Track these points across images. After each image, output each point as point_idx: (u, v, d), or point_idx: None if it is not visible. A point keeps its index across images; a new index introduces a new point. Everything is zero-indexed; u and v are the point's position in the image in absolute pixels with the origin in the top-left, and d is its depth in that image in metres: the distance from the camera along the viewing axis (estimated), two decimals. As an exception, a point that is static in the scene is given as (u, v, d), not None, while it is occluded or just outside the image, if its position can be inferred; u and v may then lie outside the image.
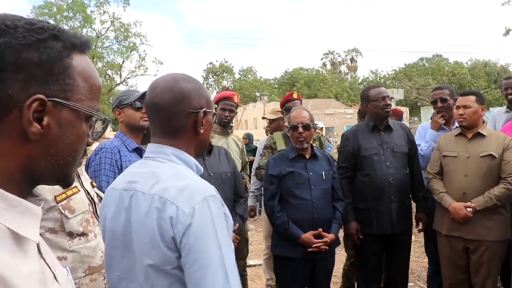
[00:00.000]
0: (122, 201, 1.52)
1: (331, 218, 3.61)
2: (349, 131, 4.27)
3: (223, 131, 4.46)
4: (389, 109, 3.95)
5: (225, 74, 68.91)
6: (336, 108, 39.07)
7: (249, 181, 5.23)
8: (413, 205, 4.20)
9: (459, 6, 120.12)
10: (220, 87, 66.85)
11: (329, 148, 4.72)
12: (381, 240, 3.93)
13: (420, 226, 4.19)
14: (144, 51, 46.53)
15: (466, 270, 3.68)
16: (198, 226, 1.36)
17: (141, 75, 38.70)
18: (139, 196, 1.47)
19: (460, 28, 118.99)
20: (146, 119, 2.97)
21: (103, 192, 2.46)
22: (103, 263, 2.13)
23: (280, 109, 5.60)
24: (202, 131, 1.56)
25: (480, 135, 3.68)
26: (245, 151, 4.91)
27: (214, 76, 68.88)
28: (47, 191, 1.99)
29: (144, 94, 2.92)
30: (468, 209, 3.52)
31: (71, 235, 2.04)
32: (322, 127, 12.31)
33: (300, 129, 3.53)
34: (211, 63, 69.37)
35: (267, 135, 5.54)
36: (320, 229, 3.49)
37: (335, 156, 4.73)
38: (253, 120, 37.36)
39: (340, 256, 5.01)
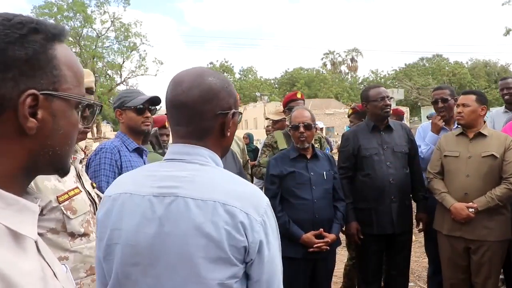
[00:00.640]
0: (152, 209, 1.32)
1: (332, 218, 3.60)
2: (350, 131, 4.27)
3: None
4: (388, 109, 3.95)
5: (225, 74, 68.90)
6: (336, 108, 39.12)
7: (251, 180, 5.22)
8: (414, 205, 4.20)
9: (459, 6, 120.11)
10: (220, 87, 66.72)
11: (327, 150, 4.71)
12: (381, 240, 3.93)
13: (421, 226, 4.19)
14: (145, 51, 46.73)
15: (467, 270, 3.68)
16: (272, 236, 1.35)
17: (142, 75, 38.74)
18: (189, 203, 1.29)
19: (460, 28, 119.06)
20: (148, 123, 2.97)
21: (103, 193, 2.47)
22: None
23: (283, 110, 5.60)
24: (229, 133, 1.44)
25: (481, 135, 3.67)
26: (246, 151, 4.89)
27: (215, 76, 68.79)
28: (50, 191, 1.98)
29: (149, 100, 2.92)
30: (470, 210, 3.51)
31: (72, 235, 2.04)
32: (322, 127, 12.30)
33: (302, 129, 3.53)
34: (211, 63, 69.42)
35: (267, 135, 5.52)
36: (321, 229, 3.48)
37: (335, 157, 4.72)
38: (253, 120, 37.39)
39: (341, 256, 5.01)
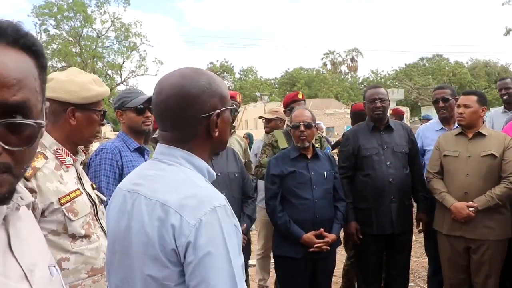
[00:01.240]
0: (125, 203, 1.41)
1: (332, 218, 3.61)
2: (350, 131, 4.28)
3: None
4: (379, 112, 3.94)
5: (225, 74, 68.82)
6: (336, 108, 39.11)
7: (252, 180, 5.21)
8: (414, 205, 4.21)
9: (460, 6, 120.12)
10: (221, 87, 66.69)
11: (328, 150, 4.72)
12: (381, 240, 3.93)
13: (421, 227, 4.19)
14: (145, 51, 46.66)
15: (467, 270, 3.69)
16: (206, 240, 1.24)
17: (142, 75, 38.73)
18: (142, 201, 1.35)
19: (460, 28, 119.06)
20: (148, 123, 2.98)
21: (103, 193, 2.49)
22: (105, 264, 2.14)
23: (277, 109, 5.60)
24: (217, 133, 1.41)
25: (480, 134, 3.68)
26: (248, 151, 4.89)
27: (215, 76, 68.75)
28: (51, 193, 1.98)
29: (149, 99, 2.93)
30: (470, 209, 3.52)
31: (73, 237, 2.04)
32: (323, 128, 12.29)
33: (302, 128, 3.54)
34: (211, 63, 69.36)
35: (267, 134, 5.51)
36: (322, 229, 3.50)
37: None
38: (253, 120, 37.37)
39: (341, 256, 5.01)
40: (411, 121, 33.83)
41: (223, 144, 1.52)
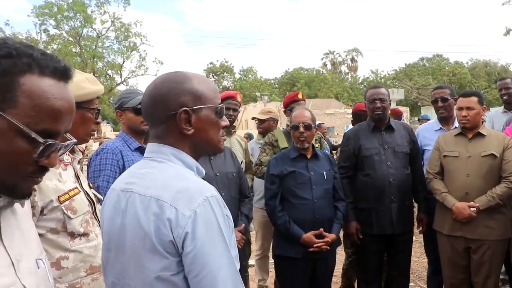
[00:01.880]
0: (119, 202, 1.47)
1: (332, 218, 3.61)
2: (351, 130, 4.28)
3: (226, 131, 4.43)
4: (379, 112, 3.93)
5: (225, 74, 68.91)
6: (336, 108, 39.09)
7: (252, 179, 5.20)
8: (415, 205, 4.20)
9: (460, 6, 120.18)
10: (221, 87, 66.83)
11: (327, 150, 4.72)
12: (381, 240, 3.93)
13: (422, 227, 4.17)
14: (145, 51, 46.75)
15: (467, 270, 3.69)
16: (203, 230, 1.30)
17: (142, 75, 38.72)
18: (136, 198, 1.40)
19: (460, 28, 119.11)
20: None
21: (103, 193, 2.49)
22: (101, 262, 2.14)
23: (270, 109, 5.59)
24: (191, 130, 1.46)
25: (480, 135, 3.69)
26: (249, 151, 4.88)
27: (215, 76, 68.80)
28: (51, 191, 1.99)
29: None
30: (472, 209, 3.52)
31: (72, 235, 2.04)
32: (325, 129, 12.29)
33: (302, 129, 3.54)
34: (211, 63, 69.42)
35: (260, 134, 5.50)
36: (321, 229, 3.49)
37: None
38: (253, 120, 37.34)
39: (341, 256, 5.01)
40: (411, 121, 33.85)
41: (209, 144, 1.53)
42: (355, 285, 4.74)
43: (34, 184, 1.07)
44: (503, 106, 5.31)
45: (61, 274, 2.00)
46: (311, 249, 3.45)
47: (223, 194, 3.32)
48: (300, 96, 4.90)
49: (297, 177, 3.54)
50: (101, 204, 2.32)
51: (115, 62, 37.72)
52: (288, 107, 4.82)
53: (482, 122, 3.81)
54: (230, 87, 66.83)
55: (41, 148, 1.00)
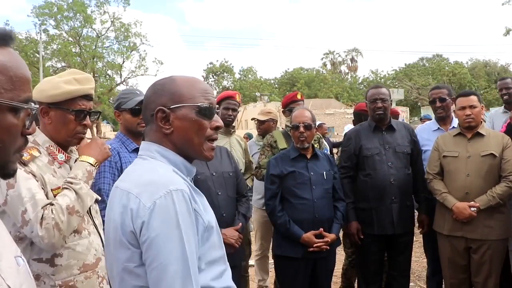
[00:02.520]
0: (111, 198, 1.52)
1: (332, 218, 3.61)
2: (352, 130, 4.26)
3: (225, 131, 4.42)
4: (380, 112, 3.93)
5: (225, 74, 68.89)
6: (336, 108, 39.11)
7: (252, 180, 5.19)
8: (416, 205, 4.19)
9: (460, 6, 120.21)
10: (221, 87, 66.82)
11: (325, 151, 4.71)
12: (382, 240, 3.92)
13: (423, 228, 4.14)
14: (145, 51, 46.64)
15: (467, 269, 3.69)
16: (159, 221, 1.32)
17: (141, 75, 38.63)
18: (117, 193, 1.46)
19: (460, 28, 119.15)
20: (143, 125, 2.98)
21: (104, 195, 2.50)
22: (96, 261, 2.15)
23: (270, 110, 5.57)
24: (170, 129, 1.50)
25: (479, 134, 3.69)
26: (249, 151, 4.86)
27: (215, 76, 68.86)
28: (46, 183, 2.01)
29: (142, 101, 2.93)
30: (472, 209, 3.52)
31: None
32: (326, 129, 12.26)
33: (302, 129, 3.54)
34: (211, 63, 69.44)
35: (260, 135, 5.47)
36: (321, 229, 3.49)
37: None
38: (253, 121, 37.34)
39: (341, 256, 5.01)
40: (411, 121, 33.86)
41: (189, 144, 1.52)
42: (355, 285, 4.74)
43: (19, 159, 1.08)
44: (503, 106, 5.31)
45: (55, 271, 2.01)
46: (311, 249, 3.45)
47: (220, 193, 3.31)
48: (299, 97, 4.89)
49: (297, 177, 3.54)
50: (98, 204, 2.34)
51: (115, 62, 37.63)
52: (287, 108, 4.81)
53: (481, 122, 3.81)
54: (230, 87, 66.78)
55: (29, 118, 1.01)
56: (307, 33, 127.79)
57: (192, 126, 1.50)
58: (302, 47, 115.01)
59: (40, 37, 33.67)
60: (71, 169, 2.23)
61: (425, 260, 5.04)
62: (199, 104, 1.50)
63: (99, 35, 36.82)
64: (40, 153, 2.10)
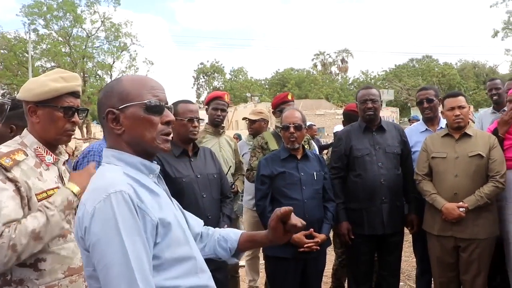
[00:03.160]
0: None
1: (322, 218, 3.62)
2: (342, 131, 4.27)
3: (215, 131, 4.41)
4: (371, 112, 3.94)
5: (216, 74, 68.83)
6: (326, 108, 39.19)
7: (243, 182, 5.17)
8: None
9: (449, 8, 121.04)
10: (211, 87, 66.76)
11: (315, 151, 4.72)
12: (372, 240, 3.94)
13: (412, 228, 4.16)
14: (135, 51, 46.46)
15: (456, 268, 3.72)
16: (99, 225, 1.35)
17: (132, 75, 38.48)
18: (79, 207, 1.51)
19: (449, 30, 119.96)
20: None
21: None
22: (83, 264, 2.13)
23: (261, 110, 5.56)
24: (122, 129, 1.52)
25: (466, 135, 3.73)
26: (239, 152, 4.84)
27: (205, 77, 68.80)
28: (28, 189, 1.99)
29: None
30: (461, 209, 3.55)
31: None
32: (316, 130, 12.28)
33: (292, 130, 3.54)
34: (202, 63, 69.41)
35: (251, 135, 5.45)
36: (311, 229, 3.50)
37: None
38: (243, 121, 37.33)
39: (331, 256, 5.02)
40: (400, 121, 34.01)
41: (142, 140, 1.54)
42: (345, 285, 4.75)
43: None
44: (492, 107, 5.35)
45: (39, 275, 1.99)
46: (301, 249, 3.46)
47: (204, 196, 3.28)
48: (290, 97, 4.89)
49: (287, 177, 3.54)
50: None
51: (105, 62, 37.43)
52: (278, 108, 4.80)
53: (468, 122, 3.85)
54: (221, 88, 66.72)
55: None
56: (297, 33, 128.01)
57: (141, 124, 1.52)
58: (293, 47, 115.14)
59: (29, 37, 33.42)
60: (59, 171, 2.21)
61: (415, 259, 5.07)
62: (146, 101, 1.52)
63: (89, 35, 36.60)
64: (27, 155, 2.08)
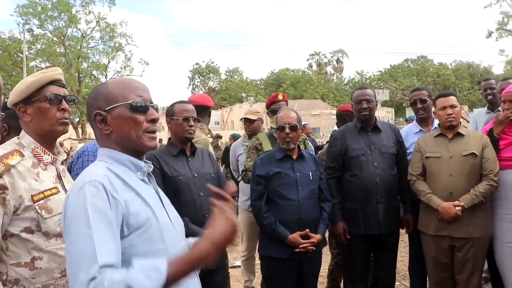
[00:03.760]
0: None
1: (318, 219, 3.62)
2: (338, 131, 4.28)
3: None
4: (366, 113, 3.95)
5: (211, 74, 68.77)
6: (322, 109, 39.30)
7: (237, 183, 5.16)
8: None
9: (444, 9, 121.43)
10: (206, 87, 66.70)
11: (311, 151, 4.72)
12: (368, 240, 3.94)
13: (408, 227, 4.16)
14: (130, 51, 46.31)
15: (450, 267, 3.73)
16: (71, 209, 1.46)
17: (127, 75, 38.32)
18: None
19: (444, 30, 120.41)
20: None
21: None
22: None
23: (258, 110, 5.55)
24: (109, 129, 1.62)
25: (459, 134, 3.75)
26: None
27: (200, 77, 68.71)
28: (23, 191, 1.98)
29: None
30: (457, 208, 3.56)
31: (47, 235, 2.03)
32: (310, 129, 12.29)
33: (287, 130, 3.55)
34: (197, 63, 69.32)
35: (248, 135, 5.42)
36: (307, 230, 3.50)
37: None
38: (239, 121, 37.34)
39: (327, 256, 5.03)
40: (396, 121, 34.11)
41: (128, 139, 1.63)
42: (341, 285, 4.76)
43: None
44: (486, 107, 5.37)
45: (35, 274, 1.99)
46: (297, 250, 3.46)
47: (201, 194, 3.30)
48: (280, 97, 4.87)
49: (283, 178, 3.54)
50: None
51: (100, 62, 37.26)
52: (270, 109, 4.81)
53: (460, 122, 3.87)
54: (216, 88, 66.72)
55: None
56: (293, 34, 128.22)
57: (127, 123, 1.62)
58: (288, 48, 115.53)
59: (24, 37, 33.27)
60: (57, 171, 2.21)
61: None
62: (130, 101, 1.61)
63: (84, 35, 36.45)
64: (24, 156, 2.07)
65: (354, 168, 3.92)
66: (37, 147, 2.15)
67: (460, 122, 3.86)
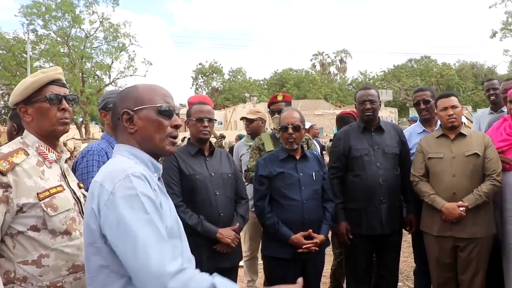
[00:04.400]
0: (89, 191, 1.68)
1: (321, 219, 3.62)
2: (341, 131, 4.28)
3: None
4: (369, 113, 3.95)
5: (214, 74, 68.76)
6: (325, 109, 39.28)
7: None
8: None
9: (448, 9, 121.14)
10: (210, 87, 66.74)
11: (315, 151, 4.72)
12: (370, 240, 3.94)
13: (411, 228, 4.16)
14: (134, 51, 46.42)
15: (454, 268, 3.72)
16: (122, 199, 1.49)
17: (130, 75, 38.37)
18: (92, 184, 1.64)
19: (448, 30, 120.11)
20: None
21: None
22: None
23: (258, 109, 5.55)
24: (134, 128, 1.70)
25: (462, 135, 3.75)
26: None
27: (204, 77, 68.71)
28: (28, 189, 1.99)
29: None
30: (461, 209, 3.56)
31: (53, 233, 2.04)
32: (317, 130, 12.24)
33: (290, 130, 3.55)
34: (200, 63, 69.30)
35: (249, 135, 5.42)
36: (310, 230, 3.50)
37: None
38: (243, 121, 37.31)
39: (330, 256, 5.03)
40: (399, 122, 34.05)
41: (151, 141, 1.71)
42: (344, 285, 4.76)
43: None
44: (489, 107, 5.36)
45: (42, 272, 2.00)
46: (300, 250, 3.46)
47: (217, 193, 3.39)
48: (280, 98, 4.87)
49: (286, 178, 3.55)
50: None
51: (103, 62, 37.35)
52: (269, 110, 4.84)
53: (462, 122, 3.86)
54: (219, 88, 66.75)
55: None
56: (296, 34, 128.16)
57: (153, 125, 1.70)
58: (291, 48, 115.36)
59: (28, 37, 33.36)
60: (61, 169, 2.22)
61: (413, 259, 5.08)
62: (158, 105, 1.70)
63: (88, 36, 36.54)
64: (28, 155, 2.08)
65: (357, 168, 3.92)
66: (41, 146, 2.16)
67: (462, 122, 3.86)
